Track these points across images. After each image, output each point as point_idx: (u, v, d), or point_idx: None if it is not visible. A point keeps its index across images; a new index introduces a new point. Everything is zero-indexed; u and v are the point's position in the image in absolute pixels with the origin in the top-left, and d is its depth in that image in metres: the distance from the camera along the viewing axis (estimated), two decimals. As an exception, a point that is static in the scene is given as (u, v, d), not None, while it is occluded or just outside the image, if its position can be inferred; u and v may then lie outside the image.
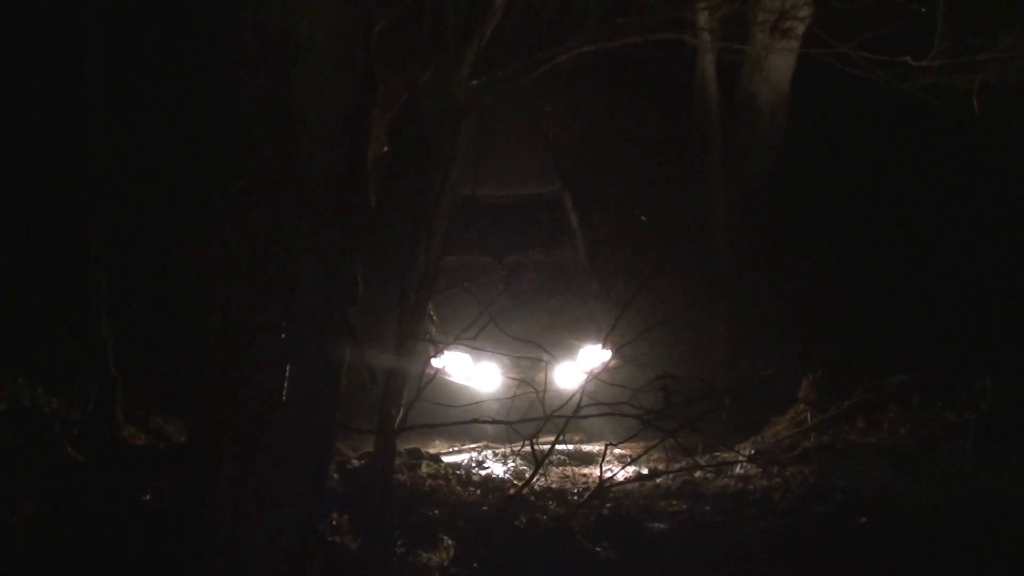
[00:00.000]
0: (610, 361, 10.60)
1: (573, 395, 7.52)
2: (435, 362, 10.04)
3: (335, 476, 9.28)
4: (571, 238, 13.36)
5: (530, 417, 7.75)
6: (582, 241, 13.34)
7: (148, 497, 8.27)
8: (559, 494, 9.96)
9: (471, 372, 11.52)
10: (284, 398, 6.82)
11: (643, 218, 12.80)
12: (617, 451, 10.28)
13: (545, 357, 9.00)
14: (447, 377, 10.66)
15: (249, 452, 6.85)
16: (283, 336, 6.76)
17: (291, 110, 6.77)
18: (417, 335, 7.62)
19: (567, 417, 6.94)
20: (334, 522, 8.46)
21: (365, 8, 6.90)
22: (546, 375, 9.43)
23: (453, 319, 8.50)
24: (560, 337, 10.61)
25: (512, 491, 9.98)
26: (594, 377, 9.04)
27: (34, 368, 9.26)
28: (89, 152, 9.04)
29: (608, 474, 9.34)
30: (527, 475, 10.60)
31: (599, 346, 11.40)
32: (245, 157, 6.72)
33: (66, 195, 9.28)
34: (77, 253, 9.20)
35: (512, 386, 8.76)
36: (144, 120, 9.58)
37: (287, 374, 6.82)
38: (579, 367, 11.35)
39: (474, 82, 7.63)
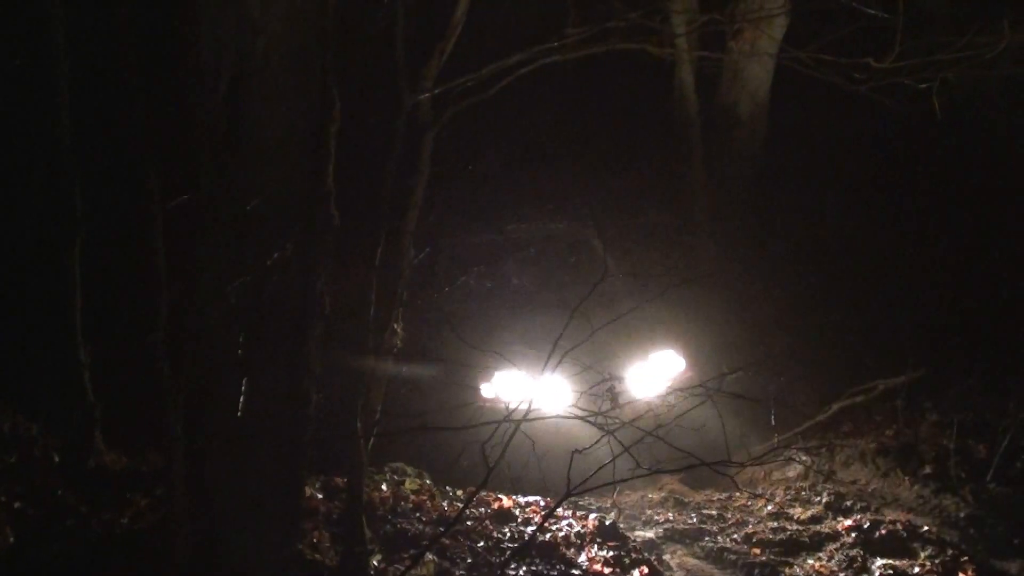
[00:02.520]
0: (686, 372, 10.48)
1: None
2: (484, 390, 9.77)
3: (319, 495, 9.28)
4: (602, 269, 12.93)
5: (483, 421, 7.65)
6: (614, 271, 12.88)
7: (126, 520, 8.29)
8: (547, 505, 10.01)
9: (531, 394, 10.16)
10: (253, 416, 6.86)
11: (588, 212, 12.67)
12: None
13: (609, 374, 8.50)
14: (499, 406, 9.18)
15: (221, 472, 6.88)
16: (248, 354, 6.82)
17: (249, 128, 6.85)
18: (382, 347, 7.66)
19: (518, 421, 6.93)
20: (314, 539, 8.47)
21: (321, 26, 6.97)
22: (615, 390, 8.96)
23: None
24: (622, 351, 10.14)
25: (497, 506, 10.01)
26: (674, 388, 8.70)
27: (14, 394, 9.29)
28: (63, 176, 9.08)
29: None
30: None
31: (672, 352, 11.01)
32: (205, 176, 6.79)
33: (42, 222, 9.31)
34: (54, 280, 9.22)
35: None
36: (110, 142, 9.62)
37: (254, 392, 6.86)
38: (655, 373, 10.66)
39: (427, 95, 7.65)
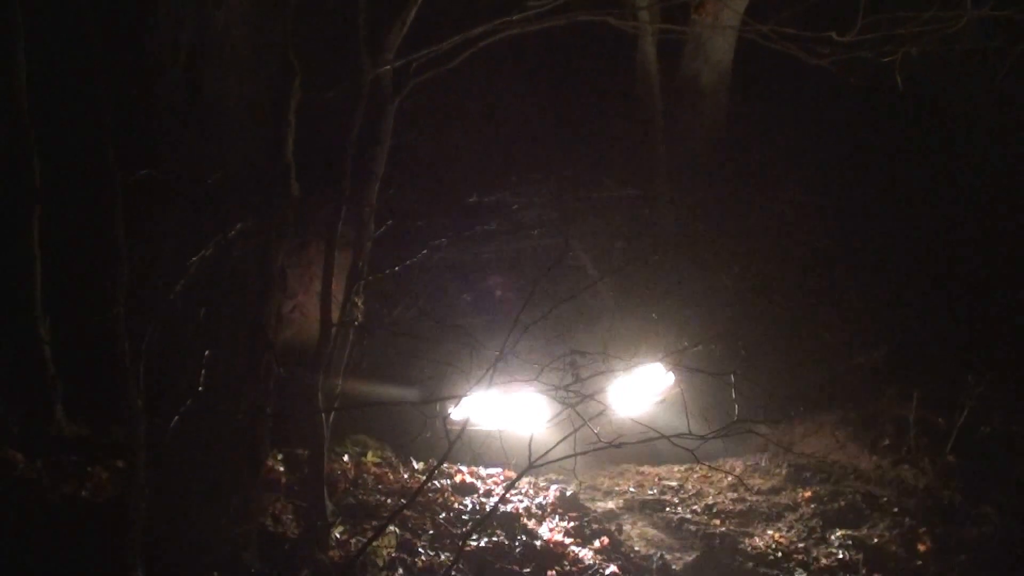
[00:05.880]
0: (675, 386, 10.41)
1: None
2: (455, 415, 8.99)
3: (280, 468, 9.29)
4: (589, 282, 12.45)
5: (444, 396, 7.66)
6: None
7: (87, 493, 8.28)
8: (508, 477, 10.05)
9: (507, 414, 9.79)
10: (212, 388, 6.86)
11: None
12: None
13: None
14: (474, 428, 8.88)
15: (180, 442, 6.89)
16: (209, 328, 6.82)
17: (209, 101, 6.83)
18: (343, 321, 7.65)
19: (480, 395, 6.96)
20: (276, 511, 8.48)
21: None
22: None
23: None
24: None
25: (459, 478, 10.03)
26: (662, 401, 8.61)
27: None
28: (21, 149, 9.01)
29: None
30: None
31: (659, 365, 10.60)
32: (163, 150, 6.78)
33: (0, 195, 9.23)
34: (12, 252, 9.17)
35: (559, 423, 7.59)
36: (69, 113, 9.54)
37: (215, 366, 6.86)
38: (641, 387, 10.48)
39: (388, 67, 7.62)
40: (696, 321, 11.80)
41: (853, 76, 9.41)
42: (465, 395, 7.05)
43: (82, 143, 8.70)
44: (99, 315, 6.94)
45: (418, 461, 10.32)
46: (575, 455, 7.04)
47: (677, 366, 7.98)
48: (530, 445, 6.97)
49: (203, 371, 6.60)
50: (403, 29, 7.71)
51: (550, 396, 7.20)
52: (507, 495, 9.12)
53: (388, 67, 7.65)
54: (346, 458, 9.96)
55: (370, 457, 10.22)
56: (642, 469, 10.73)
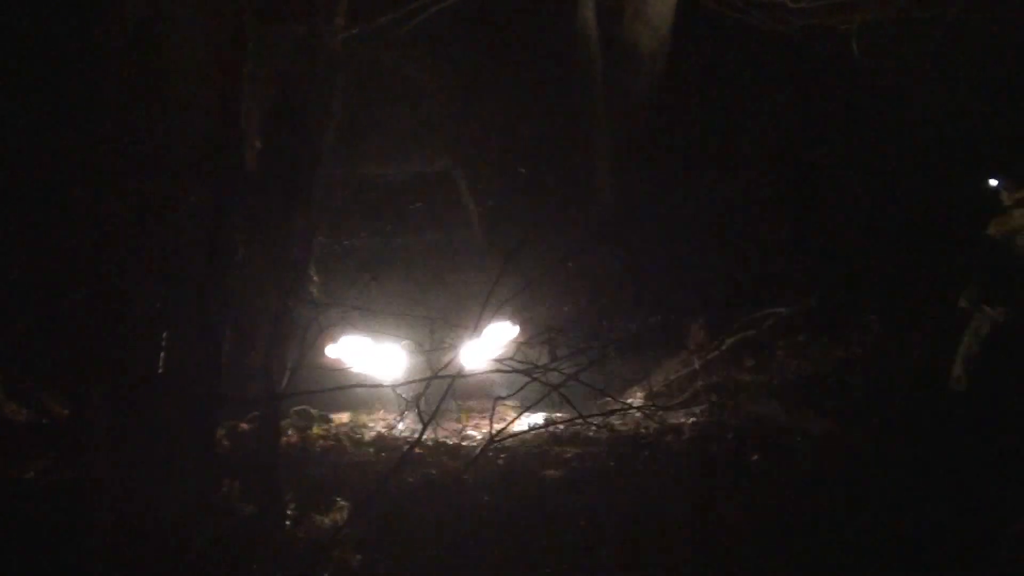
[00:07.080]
0: (519, 337, 10.44)
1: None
2: (329, 351, 9.95)
3: (224, 443, 9.15)
4: (466, 215, 12.83)
5: (416, 379, 7.63)
6: (478, 217, 12.78)
7: (31, 475, 8.11)
8: (453, 449, 9.97)
9: (371, 359, 10.50)
10: (163, 367, 6.72)
11: (522, 171, 12.49)
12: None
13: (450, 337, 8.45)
14: (344, 367, 9.89)
15: (130, 423, 6.74)
16: (160, 303, 6.66)
17: (159, 70, 6.65)
18: (297, 297, 7.53)
19: (453, 376, 6.88)
20: (225, 489, 8.34)
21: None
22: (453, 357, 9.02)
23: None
24: (468, 315, 10.01)
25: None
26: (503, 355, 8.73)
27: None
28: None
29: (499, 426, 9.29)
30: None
31: (507, 322, 10.86)
32: (111, 123, 6.59)
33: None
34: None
35: (417, 369, 7.98)
36: (15, 90, 9.31)
37: (165, 342, 6.72)
38: (487, 345, 10.33)
39: (344, 34, 7.50)
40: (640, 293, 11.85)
41: (800, 44, 9.42)
42: (431, 378, 6.98)
43: (25, 124, 8.50)
44: (39, 295, 6.77)
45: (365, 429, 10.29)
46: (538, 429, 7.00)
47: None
48: (491, 418, 6.92)
49: (164, 352, 6.45)
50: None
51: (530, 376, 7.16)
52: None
53: (338, 36, 7.52)
54: (291, 432, 9.86)
55: (316, 430, 10.14)
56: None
